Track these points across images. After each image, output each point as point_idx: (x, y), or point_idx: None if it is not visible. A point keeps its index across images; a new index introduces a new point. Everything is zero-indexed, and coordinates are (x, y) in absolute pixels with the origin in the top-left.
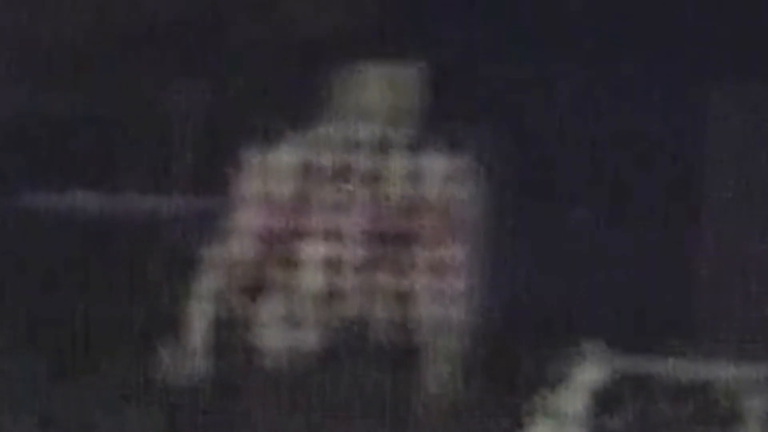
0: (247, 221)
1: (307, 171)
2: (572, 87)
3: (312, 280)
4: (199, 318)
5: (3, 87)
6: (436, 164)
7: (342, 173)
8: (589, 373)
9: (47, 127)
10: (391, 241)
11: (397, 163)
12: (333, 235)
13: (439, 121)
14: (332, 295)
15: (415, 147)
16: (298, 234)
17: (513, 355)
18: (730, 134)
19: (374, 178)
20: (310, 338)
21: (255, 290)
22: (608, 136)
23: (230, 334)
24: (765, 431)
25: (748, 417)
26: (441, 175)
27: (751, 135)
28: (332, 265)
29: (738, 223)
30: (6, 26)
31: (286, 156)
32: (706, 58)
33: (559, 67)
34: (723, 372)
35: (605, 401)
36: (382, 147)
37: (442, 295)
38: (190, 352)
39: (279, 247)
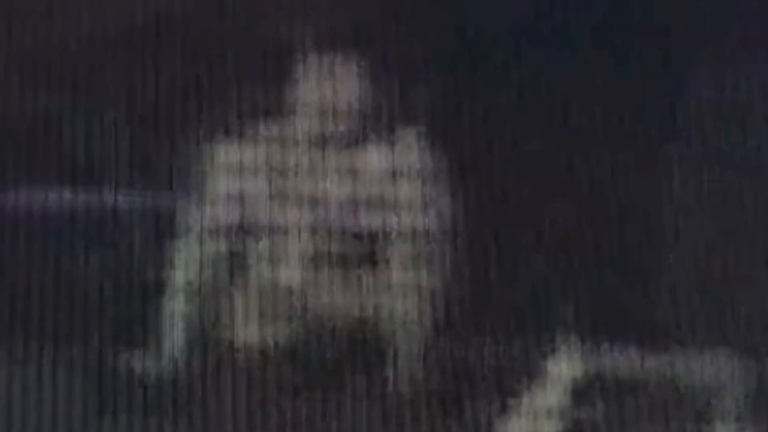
0: (218, 217)
1: (278, 166)
2: (549, 85)
3: (284, 275)
4: (172, 315)
5: None
6: (410, 160)
7: (314, 169)
8: (564, 369)
9: (27, 124)
10: (365, 236)
11: (370, 159)
12: (305, 230)
13: (412, 117)
14: (305, 290)
15: (388, 143)
16: (270, 229)
17: (486, 350)
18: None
19: (346, 174)
20: (283, 333)
21: (228, 286)
22: (579, 130)
23: (204, 331)
24: (737, 428)
25: (721, 414)
26: (415, 172)
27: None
28: (305, 260)
29: (711, 220)
30: None
31: (256, 151)
32: None
33: (539, 63)
34: (697, 369)
35: (580, 397)
36: (354, 143)
37: (415, 290)
38: (163, 349)
39: (250, 244)
